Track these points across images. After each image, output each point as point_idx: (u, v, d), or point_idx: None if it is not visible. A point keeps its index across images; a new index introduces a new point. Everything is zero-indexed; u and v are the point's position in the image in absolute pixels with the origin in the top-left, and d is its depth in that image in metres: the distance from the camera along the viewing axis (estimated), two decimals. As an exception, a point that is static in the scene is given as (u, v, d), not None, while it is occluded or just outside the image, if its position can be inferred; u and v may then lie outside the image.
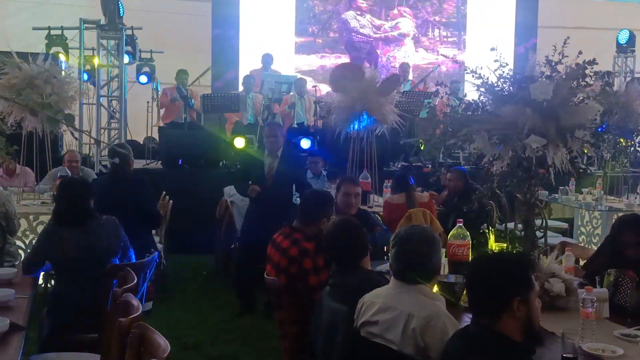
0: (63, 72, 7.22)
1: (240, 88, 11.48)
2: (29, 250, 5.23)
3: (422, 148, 9.52)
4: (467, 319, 3.05)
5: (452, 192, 6.95)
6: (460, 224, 3.97)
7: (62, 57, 9.68)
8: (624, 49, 12.04)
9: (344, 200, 5.12)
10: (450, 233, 3.99)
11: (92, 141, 9.25)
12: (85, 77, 9.72)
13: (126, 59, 10.01)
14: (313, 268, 3.92)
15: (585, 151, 3.73)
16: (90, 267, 4.02)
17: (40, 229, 5.96)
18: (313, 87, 10.88)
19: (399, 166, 9.72)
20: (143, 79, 10.92)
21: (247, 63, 12.49)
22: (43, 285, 5.81)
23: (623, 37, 11.99)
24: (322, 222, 4.14)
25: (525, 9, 14.05)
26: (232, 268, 6.52)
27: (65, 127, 7.12)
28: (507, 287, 2.41)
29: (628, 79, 10.72)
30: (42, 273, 4.69)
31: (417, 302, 2.86)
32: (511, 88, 3.60)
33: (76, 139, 9.17)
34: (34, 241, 5.53)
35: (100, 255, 4.08)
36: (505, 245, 4.20)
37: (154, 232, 6.71)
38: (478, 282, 2.50)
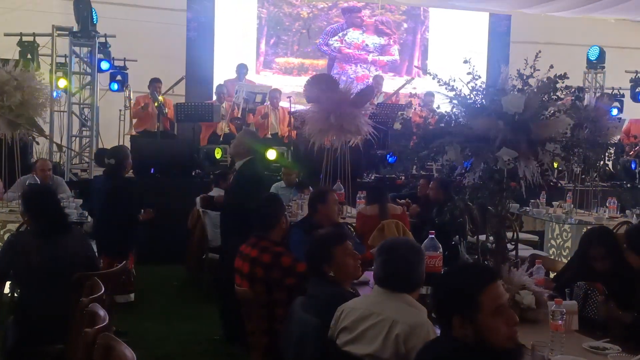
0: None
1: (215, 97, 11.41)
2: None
3: None
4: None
5: (433, 202, 6.83)
6: (432, 236, 3.97)
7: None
8: (594, 65, 12.20)
9: (335, 208, 5.14)
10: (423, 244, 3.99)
11: (63, 148, 9.10)
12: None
13: (106, 65, 9.93)
14: (293, 262, 3.93)
15: (556, 165, 3.76)
16: (55, 277, 3.94)
17: (7, 237, 5.85)
18: (287, 97, 10.88)
19: (373, 177, 9.74)
20: (115, 86, 10.76)
21: (222, 73, 12.44)
22: (9, 294, 5.69)
23: (593, 53, 12.16)
24: (282, 222, 4.20)
25: (497, 24, 14.19)
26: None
27: (32, 133, 6.95)
28: (445, 304, 2.40)
29: (598, 94, 10.87)
30: (8, 282, 4.60)
31: (402, 309, 2.87)
32: (483, 101, 3.62)
33: (37, 143, 8.99)
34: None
35: (66, 265, 3.99)
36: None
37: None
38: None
